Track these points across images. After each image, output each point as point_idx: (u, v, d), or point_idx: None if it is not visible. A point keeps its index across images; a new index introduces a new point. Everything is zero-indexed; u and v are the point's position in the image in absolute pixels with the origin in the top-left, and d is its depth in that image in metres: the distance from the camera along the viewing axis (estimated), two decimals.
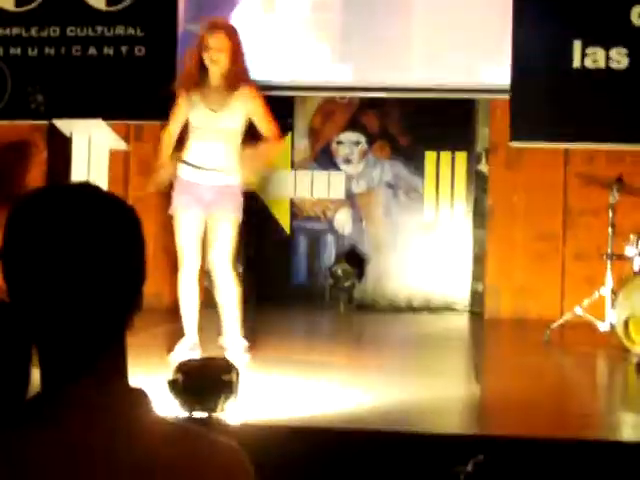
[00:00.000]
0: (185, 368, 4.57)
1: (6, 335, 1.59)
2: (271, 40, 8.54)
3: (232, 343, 6.23)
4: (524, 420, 5.15)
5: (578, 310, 7.14)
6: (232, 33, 6.17)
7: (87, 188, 1.58)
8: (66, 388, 1.52)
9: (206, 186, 6.13)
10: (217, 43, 6.07)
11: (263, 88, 8.40)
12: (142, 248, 1.59)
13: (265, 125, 6.21)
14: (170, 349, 6.21)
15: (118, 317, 1.56)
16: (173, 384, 4.45)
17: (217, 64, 6.10)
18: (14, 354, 1.60)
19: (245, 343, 6.27)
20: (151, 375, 4.82)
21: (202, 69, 6.16)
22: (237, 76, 6.13)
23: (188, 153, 6.17)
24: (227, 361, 4.77)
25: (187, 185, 6.16)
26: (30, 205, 1.54)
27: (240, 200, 6.21)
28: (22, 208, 1.55)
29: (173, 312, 6.76)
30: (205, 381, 4.49)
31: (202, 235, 6.21)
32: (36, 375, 1.58)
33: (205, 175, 6.13)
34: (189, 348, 6.14)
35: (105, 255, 1.52)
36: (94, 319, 1.52)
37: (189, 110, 6.18)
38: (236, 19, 8.40)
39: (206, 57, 6.10)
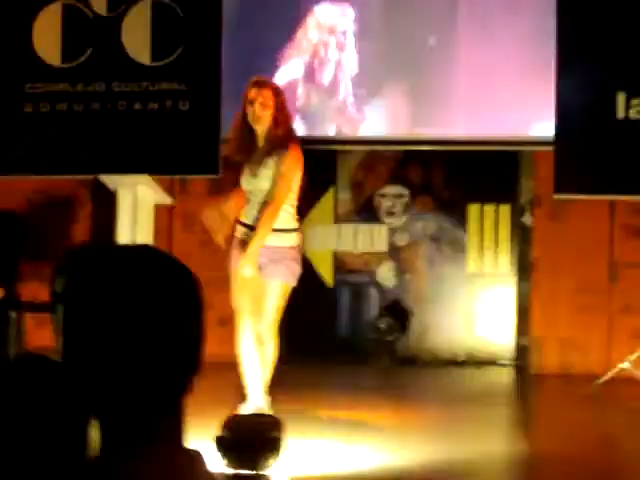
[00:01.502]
0: (232, 425, 4.53)
1: (65, 398, 1.58)
2: (315, 94, 8.59)
3: (255, 400, 5.98)
4: (571, 478, 5.07)
5: (625, 365, 7.05)
6: (277, 91, 6.03)
7: (149, 250, 1.58)
8: (127, 456, 1.50)
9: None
10: (261, 99, 5.91)
11: (306, 142, 8.49)
12: (202, 311, 1.58)
13: (275, 190, 5.93)
14: (214, 404, 6.15)
15: (178, 381, 1.55)
16: (220, 441, 4.42)
17: (261, 121, 5.92)
18: (72, 416, 1.58)
19: (267, 399, 6.00)
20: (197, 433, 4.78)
21: (249, 130, 6.00)
22: (280, 139, 5.93)
23: (243, 213, 6.06)
24: (274, 418, 4.74)
25: (241, 244, 6.01)
26: (92, 267, 1.53)
27: (293, 266, 5.97)
28: (83, 269, 1.53)
29: (216, 367, 6.72)
30: (252, 438, 4.45)
31: (258, 293, 6.00)
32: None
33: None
34: (253, 412, 5.84)
35: (167, 318, 1.51)
36: (154, 383, 1.51)
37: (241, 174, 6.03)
38: (281, 77, 8.47)
39: (250, 113, 5.93)
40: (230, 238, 6.10)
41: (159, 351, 1.51)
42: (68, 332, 1.53)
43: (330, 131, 8.70)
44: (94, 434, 1.55)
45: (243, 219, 6.06)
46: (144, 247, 1.58)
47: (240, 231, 6.07)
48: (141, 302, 1.50)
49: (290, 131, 6.04)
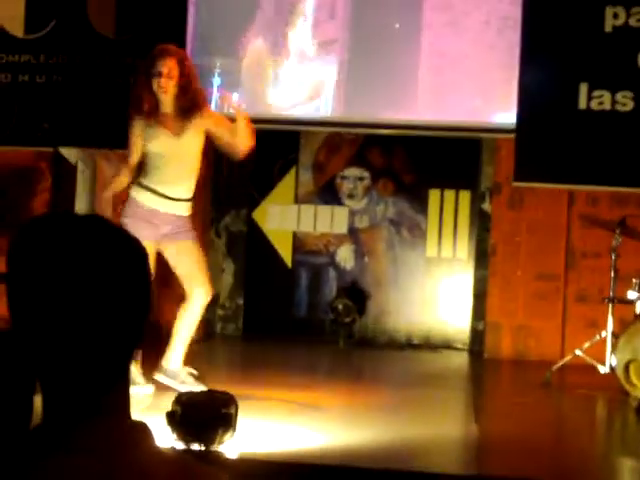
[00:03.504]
0: (184, 400, 4.54)
1: (10, 365, 1.58)
2: (279, 75, 8.58)
3: (178, 373, 6.17)
4: (522, 461, 5.12)
5: (578, 352, 7.12)
6: (182, 59, 6.15)
7: (94, 219, 1.57)
8: (70, 425, 1.50)
9: (165, 215, 6.11)
10: (166, 69, 6.03)
11: (269, 122, 8.47)
12: (147, 281, 1.57)
13: (228, 124, 6.18)
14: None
15: (122, 349, 1.54)
16: (171, 416, 4.42)
17: (167, 91, 6.06)
18: (17, 384, 1.58)
19: (194, 372, 6.20)
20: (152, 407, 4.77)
21: (153, 95, 6.13)
22: (191, 103, 6.10)
23: (150, 179, 6.13)
24: (227, 394, 4.75)
25: (144, 211, 6.09)
26: (37, 234, 1.52)
27: (192, 225, 6.25)
28: (29, 236, 1.52)
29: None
30: (204, 414, 4.46)
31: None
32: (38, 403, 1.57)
33: (169, 204, 6.11)
34: None
35: (111, 286, 1.50)
36: (99, 351, 1.51)
37: (146, 137, 6.12)
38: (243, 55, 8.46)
39: (155, 84, 6.06)
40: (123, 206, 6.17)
41: (103, 320, 1.50)
42: (13, 299, 1.52)
43: (294, 112, 8.69)
44: (38, 402, 1.55)
45: (153, 185, 6.10)
46: (90, 216, 1.58)
47: (146, 197, 6.11)
48: (85, 270, 1.49)
49: (199, 94, 6.21)
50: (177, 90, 6.06)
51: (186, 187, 6.17)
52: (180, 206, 6.15)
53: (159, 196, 6.09)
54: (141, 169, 6.18)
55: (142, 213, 6.06)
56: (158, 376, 6.10)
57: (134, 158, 6.14)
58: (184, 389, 5.83)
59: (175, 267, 6.17)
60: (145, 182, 6.12)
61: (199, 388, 5.85)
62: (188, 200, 6.19)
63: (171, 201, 6.10)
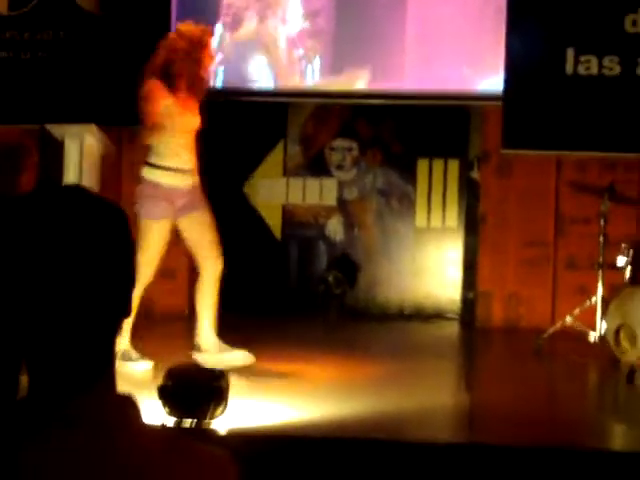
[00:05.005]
0: (175, 374, 4.54)
1: None
2: (263, 47, 8.54)
3: (213, 345, 6.20)
4: (513, 429, 5.14)
5: (569, 319, 7.13)
6: None
7: (77, 190, 1.56)
8: (56, 399, 1.49)
9: (181, 190, 6.14)
10: (211, 49, 6.19)
11: (256, 94, 8.45)
12: (132, 251, 1.57)
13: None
14: (163, 354, 6.17)
15: (108, 322, 1.54)
16: (163, 390, 4.42)
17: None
18: (2, 363, 1.58)
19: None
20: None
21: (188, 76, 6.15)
22: (204, 85, 6.26)
23: (158, 155, 6.15)
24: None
25: (161, 190, 6.12)
26: (18, 208, 1.51)
27: (203, 196, 6.30)
28: (9, 210, 1.51)
29: (166, 319, 6.73)
30: (195, 387, 4.46)
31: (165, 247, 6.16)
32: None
33: (180, 177, 6.15)
34: None
35: (95, 258, 1.49)
36: (84, 325, 1.50)
37: (164, 114, 6.11)
38: (228, 27, 8.42)
39: (202, 68, 6.12)
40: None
41: (87, 290, 1.49)
42: None
43: (280, 84, 8.66)
44: (24, 378, 1.55)
45: (165, 162, 6.12)
46: (72, 187, 1.57)
47: (160, 175, 6.13)
48: (67, 241, 1.48)
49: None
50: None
51: (189, 157, 6.19)
52: (189, 178, 6.18)
53: (170, 171, 6.11)
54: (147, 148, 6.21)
55: (158, 192, 6.09)
56: (196, 355, 6.12)
57: (154, 137, 6.13)
58: (226, 359, 5.89)
59: (186, 239, 6.23)
60: (154, 160, 6.14)
61: (241, 356, 5.99)
62: (193, 170, 6.22)
63: (181, 174, 6.13)
